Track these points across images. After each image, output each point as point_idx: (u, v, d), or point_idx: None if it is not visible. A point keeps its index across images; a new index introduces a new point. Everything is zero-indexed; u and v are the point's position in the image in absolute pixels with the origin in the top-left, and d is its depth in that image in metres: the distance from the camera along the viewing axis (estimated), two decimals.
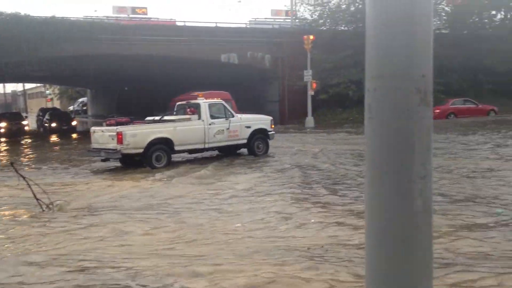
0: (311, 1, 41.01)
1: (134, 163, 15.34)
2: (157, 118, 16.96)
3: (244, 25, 40.05)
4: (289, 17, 46.39)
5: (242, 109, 39.89)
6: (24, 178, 9.85)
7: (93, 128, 16.64)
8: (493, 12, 46.67)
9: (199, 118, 16.25)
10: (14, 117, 39.55)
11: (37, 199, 9.51)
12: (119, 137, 14.69)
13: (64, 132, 35.28)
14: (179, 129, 15.74)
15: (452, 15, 43.18)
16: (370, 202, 1.81)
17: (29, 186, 9.70)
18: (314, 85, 33.54)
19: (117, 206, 9.67)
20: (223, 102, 17.76)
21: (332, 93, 34.47)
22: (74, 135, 33.39)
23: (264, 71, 37.21)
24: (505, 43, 41.68)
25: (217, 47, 35.05)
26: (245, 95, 40.16)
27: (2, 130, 35.57)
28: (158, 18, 45.04)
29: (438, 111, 33.50)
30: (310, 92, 33.52)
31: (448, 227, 6.90)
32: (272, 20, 49.94)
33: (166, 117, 16.93)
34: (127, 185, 12.32)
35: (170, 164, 15.29)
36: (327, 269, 5.38)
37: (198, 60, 35.02)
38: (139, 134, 15.16)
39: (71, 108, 63.51)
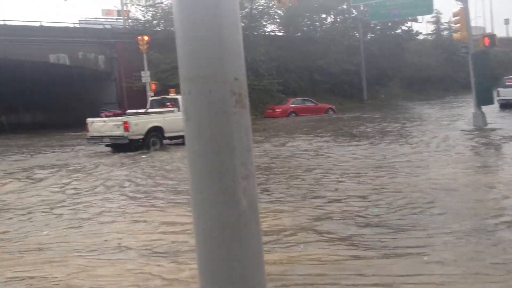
0: (142, 2, 40.72)
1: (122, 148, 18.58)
2: (141, 110, 20.91)
3: (73, 25, 38.32)
4: (121, 17, 45.44)
5: (77, 112, 38.40)
6: None
7: (90, 119, 19.76)
8: (323, 16, 50.33)
9: (178, 110, 19.48)
10: None
11: None
12: (126, 126, 18.34)
13: None
14: (168, 119, 19.38)
15: (285, 18, 45.61)
16: (196, 204, 1.83)
17: None
18: (154, 86, 33.28)
19: None
20: None
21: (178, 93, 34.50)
22: None
23: (98, 72, 36.10)
24: (336, 45, 45.19)
25: (45, 47, 33.28)
26: (80, 97, 38.60)
27: None
28: None
29: (279, 110, 35.27)
30: (150, 93, 33.16)
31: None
32: (104, 20, 48.50)
33: (150, 110, 20.78)
34: None
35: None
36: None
37: (24, 61, 32.83)
38: (140, 123, 18.91)
39: None
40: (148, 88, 33.19)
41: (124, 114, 20.75)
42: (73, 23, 39.12)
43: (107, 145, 19.57)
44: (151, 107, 21.36)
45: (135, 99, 35.15)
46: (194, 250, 5.19)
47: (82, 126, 32.82)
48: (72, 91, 38.62)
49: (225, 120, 1.73)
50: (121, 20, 45.15)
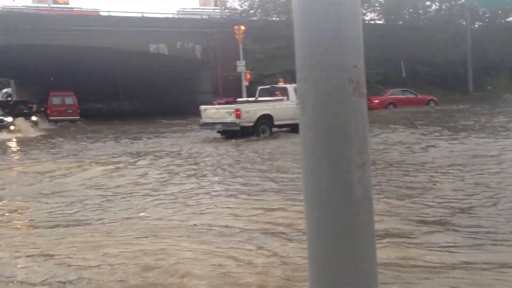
0: None
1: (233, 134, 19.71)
2: (251, 99, 22.33)
3: (172, 15, 39.66)
4: (218, 7, 46.34)
5: (173, 100, 39.86)
6: None
7: (203, 106, 21.25)
8: (428, 3, 48.31)
9: (288, 99, 20.64)
10: None
11: None
12: (238, 113, 19.34)
13: None
14: (277, 107, 20.28)
15: (386, 6, 44.35)
16: (309, 192, 1.85)
17: None
18: (248, 76, 33.77)
19: None
20: None
21: (267, 84, 34.77)
22: None
23: (195, 61, 37.12)
24: (440, 34, 43.20)
25: (145, 37, 34.66)
26: (176, 86, 40.01)
27: None
28: (81, 8, 43.78)
29: (377, 101, 34.37)
30: (245, 83, 33.75)
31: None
32: (201, 10, 49.66)
33: (259, 98, 21.94)
34: None
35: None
36: None
37: (125, 51, 34.51)
38: (251, 110, 19.88)
39: None
40: (243, 77, 33.74)
41: (235, 102, 21.94)
42: (172, 13, 40.39)
43: (218, 131, 20.67)
44: (260, 95, 22.28)
45: (230, 88, 35.88)
46: (290, 239, 5.26)
47: (179, 114, 34.37)
48: (169, 80, 40.08)
49: (343, 108, 1.73)
50: (218, 10, 46.08)
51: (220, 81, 36.84)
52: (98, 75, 43.25)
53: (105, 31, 32.70)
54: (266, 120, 19.96)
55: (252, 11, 40.43)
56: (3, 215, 8.92)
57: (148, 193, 10.16)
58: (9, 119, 26.28)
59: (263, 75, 34.93)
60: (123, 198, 9.83)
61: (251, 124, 19.61)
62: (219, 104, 23.41)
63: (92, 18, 34.87)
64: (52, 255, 6.26)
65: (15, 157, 18.36)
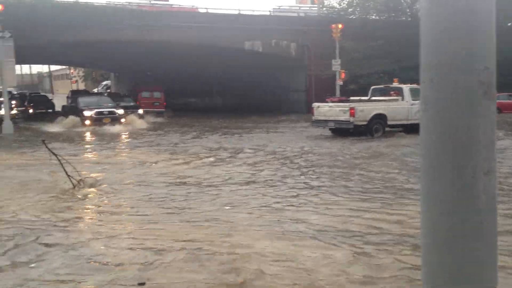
0: None
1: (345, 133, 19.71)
2: (363, 98, 22.30)
3: (268, 13, 39.97)
4: (315, 5, 46.17)
5: (264, 97, 40.27)
6: (55, 155, 10.18)
7: (316, 104, 21.53)
8: None
9: (402, 99, 20.63)
10: (44, 104, 43.91)
11: (68, 176, 9.91)
12: (352, 112, 19.29)
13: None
14: (391, 107, 20.27)
15: (498, 4, 41.96)
16: (428, 197, 1.80)
17: (60, 163, 10.07)
18: (343, 75, 33.46)
19: None
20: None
21: (362, 83, 34.27)
22: None
23: (289, 59, 37.20)
24: None
25: (241, 34, 35.13)
26: (268, 84, 40.37)
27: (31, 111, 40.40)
28: (180, 5, 45.20)
29: None
30: (339, 82, 33.48)
31: None
32: (297, 8, 49.70)
33: (373, 98, 21.93)
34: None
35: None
36: None
37: (220, 48, 35.19)
38: (365, 109, 19.82)
39: (95, 90, 64.51)
40: (337, 76, 33.47)
41: (348, 100, 22.18)
42: (269, 11, 40.69)
43: (330, 129, 20.92)
44: (372, 95, 22.37)
45: (323, 87, 35.64)
46: (384, 241, 5.13)
47: (270, 111, 34.65)
48: (261, 77, 40.46)
49: (470, 112, 1.67)
50: (314, 8, 45.92)
51: (313, 79, 36.75)
52: (192, 70, 44.47)
53: (203, 28, 33.48)
54: (379, 119, 19.97)
55: (350, 9, 40.01)
56: (100, 199, 9.43)
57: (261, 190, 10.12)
58: (120, 111, 27.09)
59: (357, 74, 34.47)
60: (218, 190, 9.94)
61: (365, 123, 19.63)
62: (332, 102, 23.43)
63: (190, 15, 35.77)
64: (134, 237, 6.73)
65: (123, 147, 19.15)
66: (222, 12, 37.05)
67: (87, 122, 26.00)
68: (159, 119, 30.89)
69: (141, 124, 26.92)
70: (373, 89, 23.16)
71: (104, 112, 26.74)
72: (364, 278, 5.20)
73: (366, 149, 16.14)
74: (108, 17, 30.92)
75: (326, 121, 20.57)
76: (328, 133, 21.05)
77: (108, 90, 65.52)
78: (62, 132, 24.01)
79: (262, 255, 5.90)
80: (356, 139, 18.66)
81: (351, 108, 19.53)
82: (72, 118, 26.89)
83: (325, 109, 20.84)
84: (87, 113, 26.34)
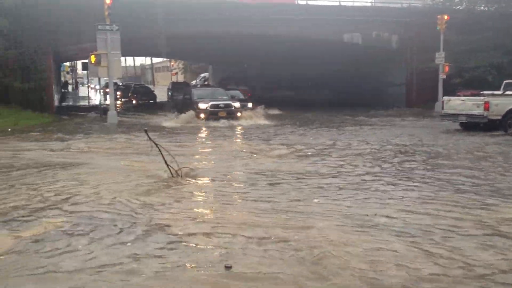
0: None
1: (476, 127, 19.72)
2: (497, 92, 22.24)
3: (369, 4, 39.35)
4: None
5: (359, 92, 39.69)
6: (156, 145, 10.66)
7: (446, 98, 21.76)
8: None
9: None
10: (147, 95, 46.98)
11: (168, 165, 10.49)
12: (486, 106, 19.22)
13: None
14: None
15: None
16: None
17: (161, 152, 10.57)
18: (447, 68, 32.49)
19: None
20: None
21: (467, 77, 33.08)
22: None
23: (389, 52, 36.51)
24: None
25: (340, 26, 34.90)
26: (364, 77, 39.79)
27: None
28: None
29: None
30: (442, 76, 32.60)
31: None
32: None
33: (507, 92, 21.77)
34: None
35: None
36: None
37: (318, 40, 35.12)
38: (500, 104, 19.58)
39: (193, 82, 66.84)
40: (440, 69, 32.53)
41: (480, 94, 21.98)
42: (370, 2, 39.97)
43: (460, 123, 20.87)
44: (505, 89, 22.00)
45: (424, 81, 34.85)
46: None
47: (369, 105, 34.19)
48: (358, 71, 39.96)
49: None
50: None
51: (414, 72, 35.90)
52: (287, 63, 44.73)
53: (302, 20, 33.54)
54: None
55: (457, 0, 38.68)
56: (197, 188, 10.04)
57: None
58: (236, 104, 26.29)
59: (462, 68, 33.30)
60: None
61: (499, 117, 19.34)
62: (464, 96, 23.09)
63: (289, 7, 35.89)
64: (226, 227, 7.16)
65: (236, 140, 19.26)
66: (322, 3, 36.99)
67: (202, 115, 25.45)
68: (275, 112, 30.49)
69: (255, 118, 26.26)
70: (506, 83, 22.90)
71: (220, 105, 25.96)
72: None
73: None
74: (214, 10, 31.84)
75: (457, 115, 20.46)
76: (457, 126, 21.00)
77: (206, 82, 67.50)
78: (176, 127, 23.77)
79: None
80: (488, 135, 18.35)
81: (486, 102, 19.31)
82: (189, 114, 26.25)
83: (457, 103, 20.70)
84: (202, 105, 25.76)
